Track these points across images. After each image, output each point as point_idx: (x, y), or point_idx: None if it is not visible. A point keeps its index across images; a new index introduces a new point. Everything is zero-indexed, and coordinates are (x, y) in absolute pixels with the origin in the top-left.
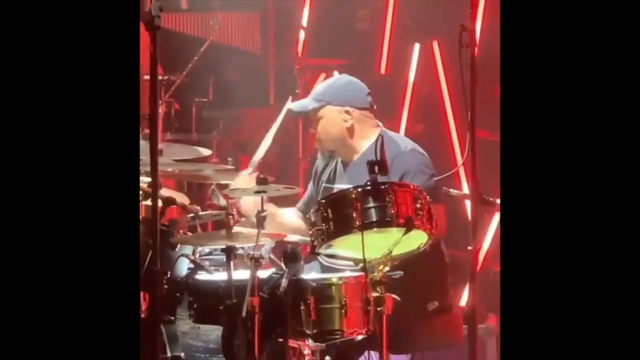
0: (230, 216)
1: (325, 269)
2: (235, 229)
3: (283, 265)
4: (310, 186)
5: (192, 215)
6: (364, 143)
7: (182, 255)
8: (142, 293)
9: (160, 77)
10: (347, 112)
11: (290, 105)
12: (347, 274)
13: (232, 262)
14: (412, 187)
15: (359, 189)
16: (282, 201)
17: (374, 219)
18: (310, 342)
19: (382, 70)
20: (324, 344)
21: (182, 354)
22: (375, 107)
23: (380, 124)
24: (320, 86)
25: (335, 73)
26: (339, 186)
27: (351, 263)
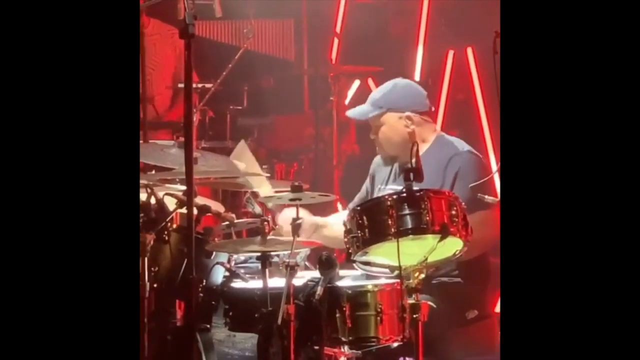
0: (266, 223)
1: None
2: (270, 236)
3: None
4: (366, 184)
5: (227, 223)
6: (424, 146)
7: (218, 263)
8: (177, 301)
9: (194, 85)
10: (408, 117)
11: (348, 112)
12: (383, 281)
13: (267, 270)
14: (447, 193)
15: (394, 196)
16: (316, 209)
17: (410, 226)
18: (345, 349)
19: (417, 77)
20: (359, 351)
21: None
22: (433, 108)
23: (438, 127)
24: (379, 92)
25: (370, 81)
26: (391, 187)
27: (387, 270)
